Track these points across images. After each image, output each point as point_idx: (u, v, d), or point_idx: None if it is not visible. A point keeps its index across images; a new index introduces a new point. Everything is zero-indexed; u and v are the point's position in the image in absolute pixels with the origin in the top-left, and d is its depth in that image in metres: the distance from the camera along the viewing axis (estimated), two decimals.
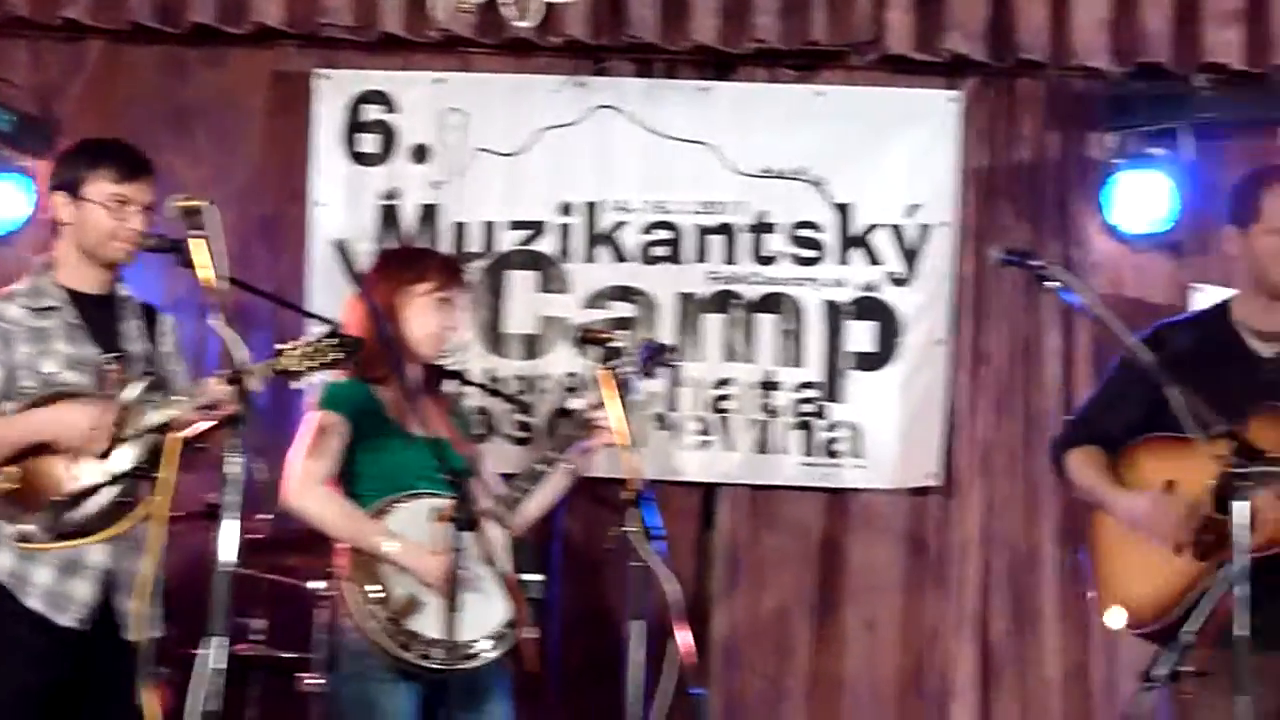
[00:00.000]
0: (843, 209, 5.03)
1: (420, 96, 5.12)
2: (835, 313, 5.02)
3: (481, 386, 4.78)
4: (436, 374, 4.22)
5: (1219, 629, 3.27)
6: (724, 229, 5.05)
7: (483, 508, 3.91)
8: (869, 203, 5.03)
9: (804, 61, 5.09)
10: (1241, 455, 3.22)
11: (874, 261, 5.01)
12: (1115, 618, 3.69)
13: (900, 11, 4.94)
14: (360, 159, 5.11)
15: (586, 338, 4.21)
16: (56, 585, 3.52)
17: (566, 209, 5.09)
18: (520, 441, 4.97)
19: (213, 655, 3.05)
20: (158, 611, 3.63)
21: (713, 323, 5.02)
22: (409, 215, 5.08)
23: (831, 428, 4.97)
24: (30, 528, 3.52)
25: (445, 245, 5.02)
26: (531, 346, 5.07)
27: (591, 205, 5.08)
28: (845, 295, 5.01)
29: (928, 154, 5.01)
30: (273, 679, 4.46)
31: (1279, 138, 4.90)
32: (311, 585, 4.14)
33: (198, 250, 3.21)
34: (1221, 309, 3.90)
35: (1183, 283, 4.95)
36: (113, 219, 3.61)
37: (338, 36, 5.05)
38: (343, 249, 5.06)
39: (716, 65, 5.11)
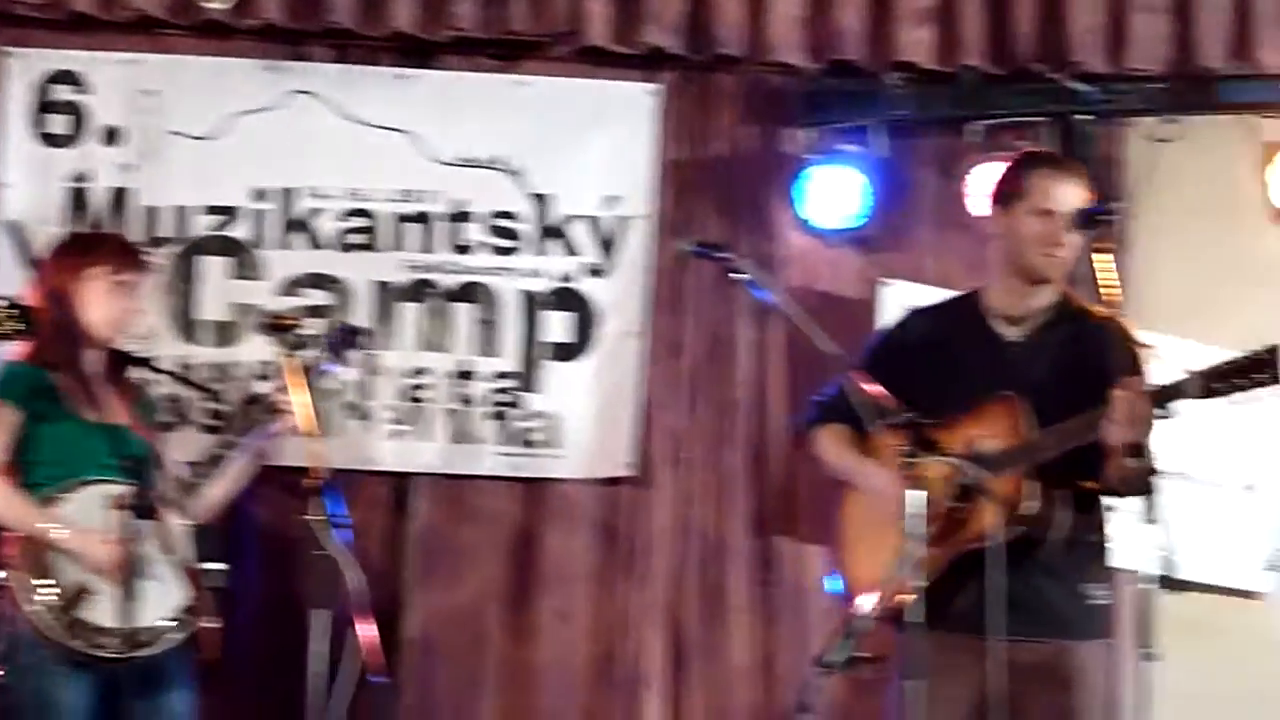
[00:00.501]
0: (541, 199, 5.73)
1: (112, 77, 5.64)
2: (532, 303, 5.70)
3: (170, 374, 5.28)
4: (120, 360, 4.72)
5: (935, 615, 3.79)
6: (421, 218, 5.70)
7: (161, 494, 4.44)
8: (567, 194, 5.72)
9: (505, 51, 5.73)
10: (917, 446, 3.81)
11: (571, 252, 5.72)
12: (866, 600, 4.04)
13: (599, 3, 5.59)
14: (49, 140, 5.63)
15: (271, 324, 4.67)
16: None
17: (261, 195, 5.66)
18: (211, 429, 5.46)
19: None
20: None
21: (409, 311, 5.69)
22: (99, 198, 5.61)
23: (527, 418, 5.68)
24: None
25: (136, 229, 5.54)
26: (224, 334, 5.63)
27: (287, 192, 5.68)
28: (542, 285, 5.71)
29: (626, 146, 5.73)
30: None
31: (966, 135, 5.74)
32: None
33: None
34: (971, 295, 4.45)
35: (873, 277, 5.71)
36: None
37: (28, 15, 5.56)
38: (17, 230, 5.55)
39: (416, 53, 5.74)
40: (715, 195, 5.87)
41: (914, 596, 3.73)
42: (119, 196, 5.73)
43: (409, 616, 5.74)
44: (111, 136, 5.74)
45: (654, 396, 5.83)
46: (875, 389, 3.95)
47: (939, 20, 5.75)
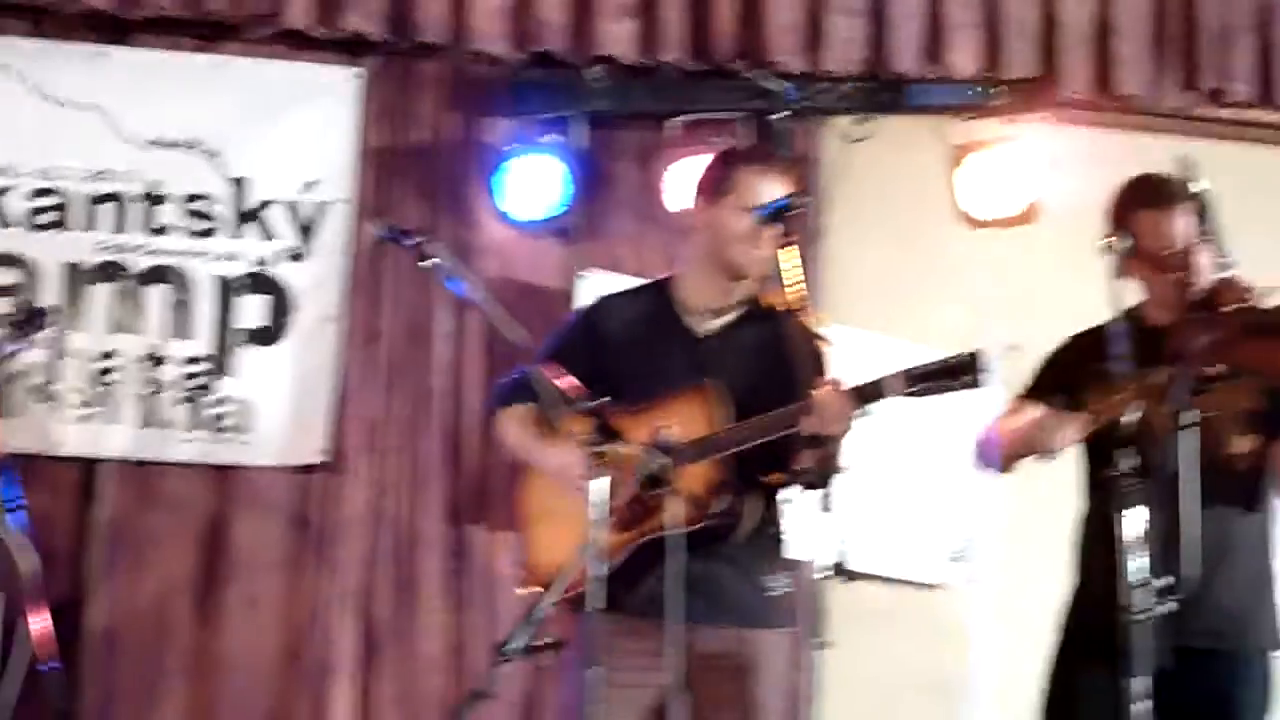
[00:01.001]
0: (238, 183, 5.87)
1: None
2: (226, 287, 5.84)
3: None
4: None
5: (624, 601, 4.00)
6: (114, 198, 5.82)
7: None
8: (265, 177, 5.86)
9: (204, 32, 5.85)
10: (601, 434, 3.93)
11: (268, 236, 5.87)
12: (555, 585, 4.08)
13: None
14: None
15: None
16: None
17: None
18: None
19: None
20: None
21: (99, 293, 5.79)
22: None
23: (219, 403, 5.81)
24: None
25: None
26: None
27: None
28: (238, 269, 5.84)
29: (326, 131, 5.89)
30: None
31: (665, 130, 6.02)
32: None
33: None
34: (662, 286, 4.55)
35: (572, 268, 5.92)
36: None
37: None
38: None
39: (113, 30, 5.84)
40: (416, 182, 6.05)
41: (595, 583, 3.86)
42: None
43: (93, 606, 5.80)
44: None
45: (350, 383, 5.98)
46: (563, 377, 4.06)
47: (640, 15, 5.99)
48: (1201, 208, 4.15)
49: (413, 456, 5.98)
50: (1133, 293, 4.30)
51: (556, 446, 4.34)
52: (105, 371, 5.90)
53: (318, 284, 5.97)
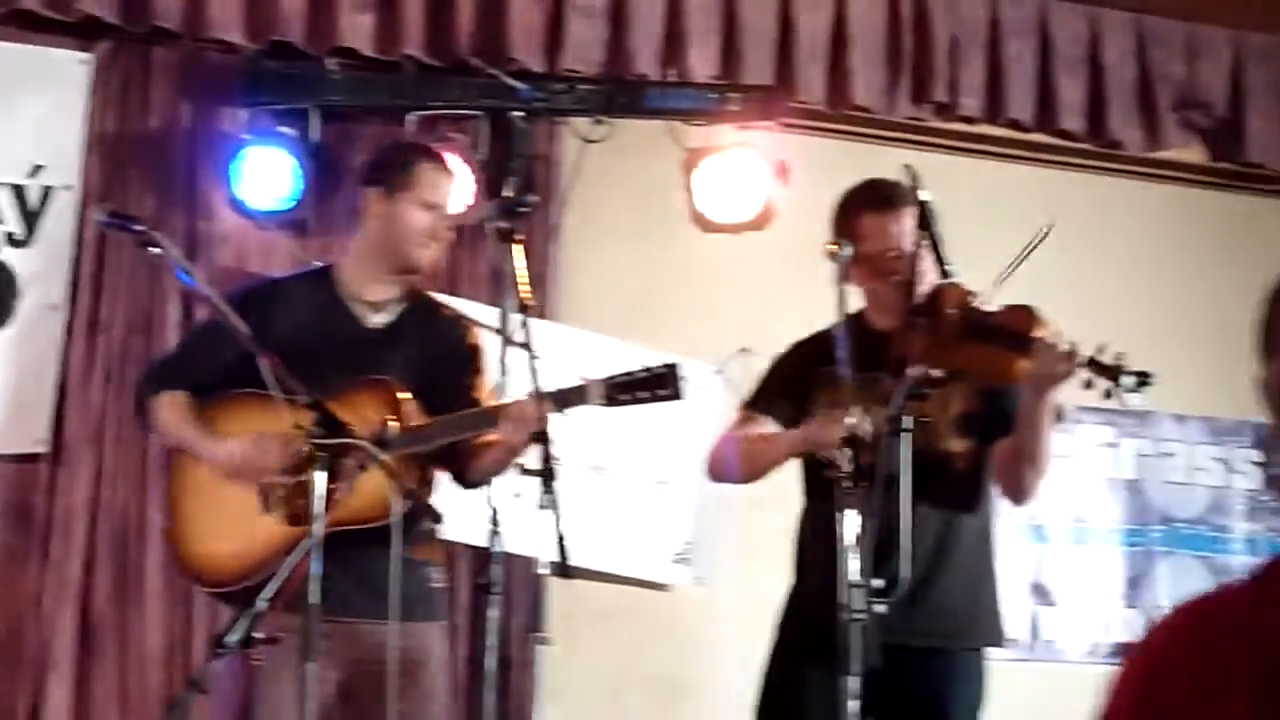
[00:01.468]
0: None
1: None
2: None
3: None
4: None
5: (293, 596, 3.90)
6: None
7: None
8: None
9: None
10: (323, 426, 3.93)
11: None
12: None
13: None
14: None
15: None
16: None
17: None
18: None
19: None
20: None
21: None
22: None
23: None
24: None
25: None
26: None
27: None
28: None
29: (55, 115, 5.79)
30: None
31: (406, 125, 6.00)
32: None
33: None
34: (325, 273, 4.58)
35: (304, 260, 5.71)
36: None
37: None
38: None
39: None
40: (147, 170, 5.99)
41: (313, 579, 3.88)
42: None
43: None
44: None
45: (73, 373, 5.90)
46: (274, 362, 4.05)
47: (380, 9, 6.00)
48: (925, 216, 4.23)
49: (137, 448, 5.90)
50: (858, 298, 4.38)
51: (222, 439, 4.34)
52: None
53: (42, 271, 5.87)
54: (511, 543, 4.88)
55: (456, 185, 4.65)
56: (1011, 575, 6.59)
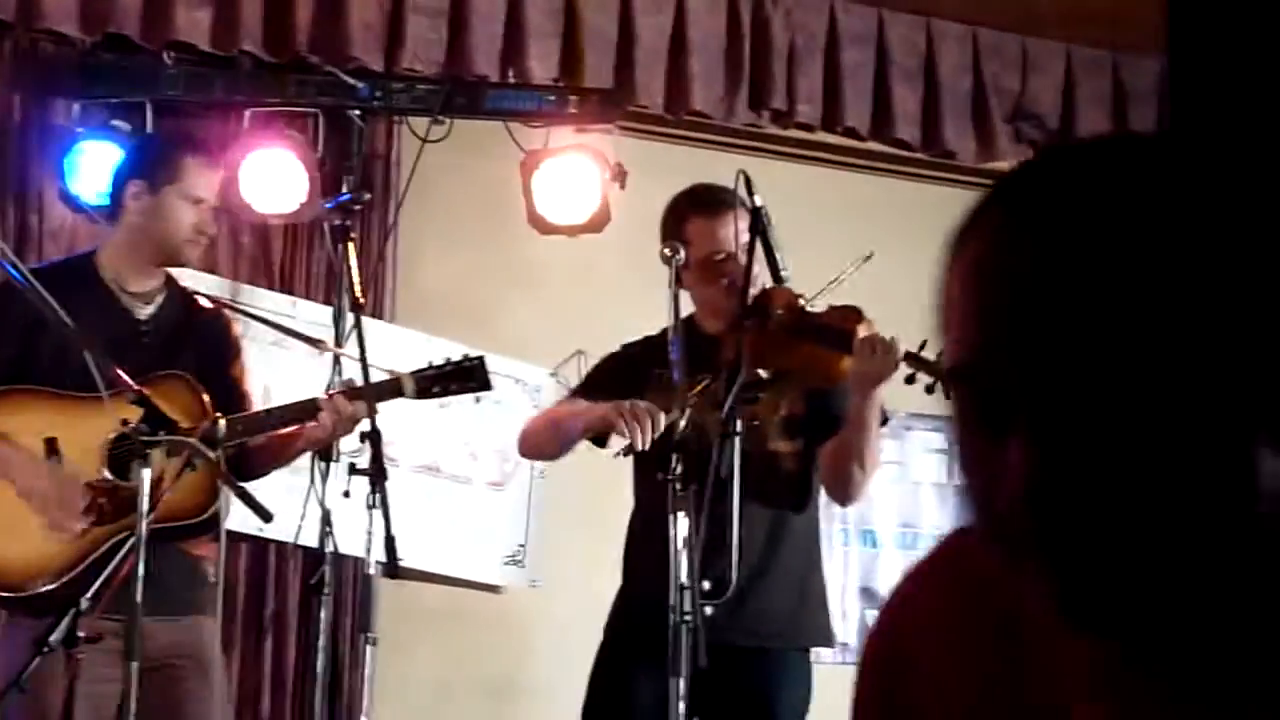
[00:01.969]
0: None
1: None
2: None
3: None
4: None
5: (111, 596, 3.93)
6: None
7: None
8: None
9: None
10: (149, 421, 3.90)
11: None
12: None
13: None
14: None
15: None
16: None
17: None
18: None
19: None
20: None
21: None
22: None
23: None
24: None
25: None
26: None
27: None
28: None
29: None
30: None
31: (245, 121, 5.95)
32: None
33: None
34: (89, 263, 4.56)
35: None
36: None
37: None
38: None
39: None
40: None
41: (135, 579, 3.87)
42: None
43: None
44: None
45: None
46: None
47: (218, 4, 5.96)
48: (758, 221, 4.26)
49: None
50: (689, 302, 4.41)
51: (25, 458, 4.29)
52: None
53: None
54: (342, 543, 4.88)
55: (221, 179, 4.72)
56: (842, 579, 6.66)
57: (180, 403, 4.28)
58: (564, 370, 5.96)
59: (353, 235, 5.00)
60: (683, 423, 4.06)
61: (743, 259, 4.36)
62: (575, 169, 6.07)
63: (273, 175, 5.82)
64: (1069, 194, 1.17)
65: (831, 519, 4.39)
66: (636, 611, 4.50)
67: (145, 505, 3.89)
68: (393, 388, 4.45)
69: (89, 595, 3.94)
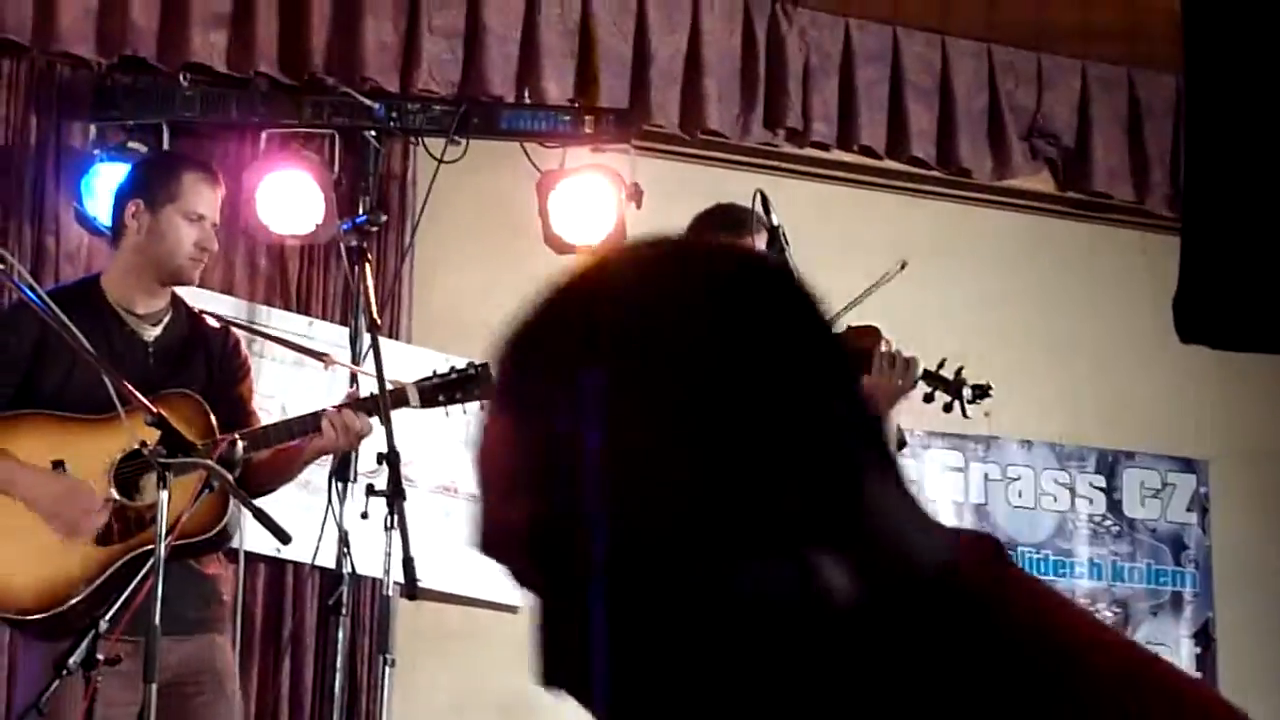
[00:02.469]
0: None
1: None
2: None
3: None
4: None
5: (128, 617, 3.92)
6: None
7: None
8: None
9: None
10: (166, 442, 3.89)
11: None
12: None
13: None
14: None
15: None
16: None
17: None
18: None
19: None
20: None
21: None
22: None
23: None
24: None
25: None
26: None
27: None
28: None
29: None
30: None
31: (261, 142, 6.00)
32: None
33: None
34: (94, 286, 4.58)
35: None
36: None
37: None
38: None
39: None
40: None
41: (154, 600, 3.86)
42: None
43: None
44: None
45: None
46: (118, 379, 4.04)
47: (234, 25, 6.03)
48: (776, 240, 4.27)
49: None
50: None
51: (36, 472, 4.29)
52: None
53: None
54: (360, 564, 4.88)
55: (221, 196, 4.72)
56: None
57: (189, 422, 4.30)
58: None
59: (369, 256, 5.03)
60: None
61: None
62: (591, 189, 6.09)
63: (289, 196, 5.84)
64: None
65: None
66: None
67: (164, 526, 3.88)
68: (397, 398, 4.47)
69: (108, 617, 3.93)
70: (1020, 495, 7.27)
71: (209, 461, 4.08)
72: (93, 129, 5.99)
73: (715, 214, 4.60)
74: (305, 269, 6.17)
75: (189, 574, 4.34)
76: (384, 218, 5.67)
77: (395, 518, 4.41)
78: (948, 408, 4.20)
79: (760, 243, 4.41)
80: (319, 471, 5.19)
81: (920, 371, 4.22)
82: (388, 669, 4.81)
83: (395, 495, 4.38)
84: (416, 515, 4.55)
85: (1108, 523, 7.30)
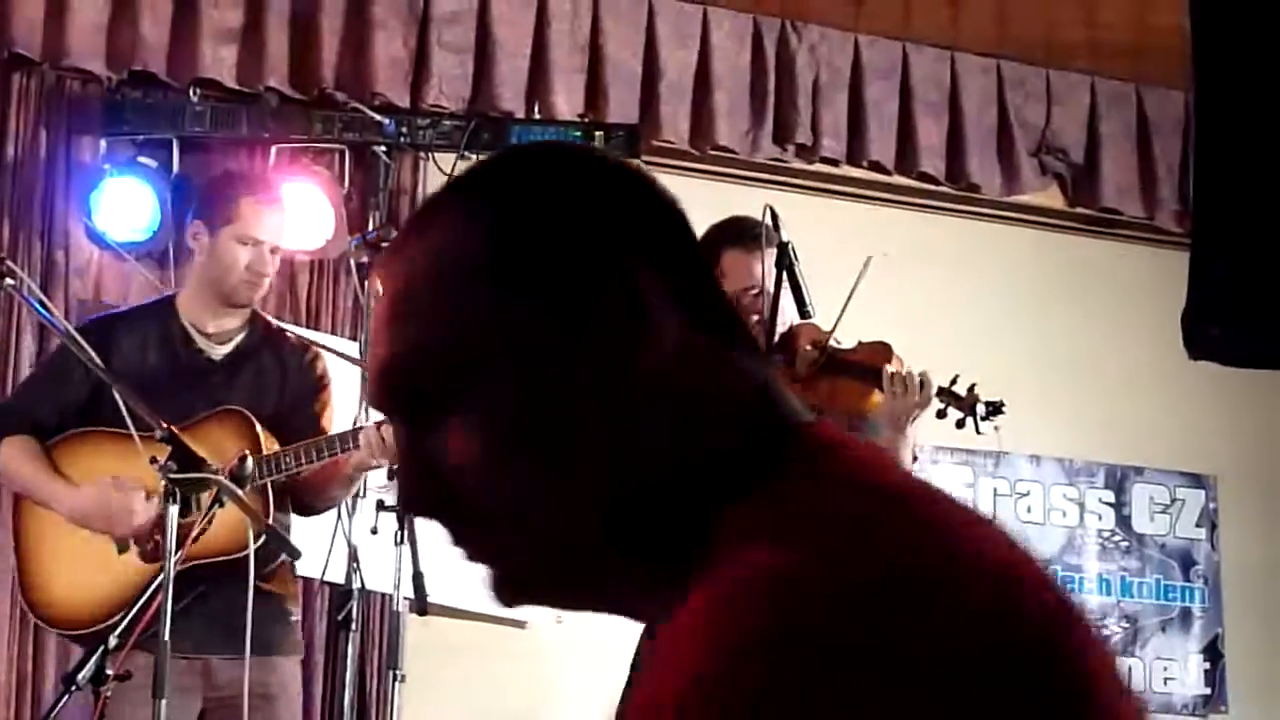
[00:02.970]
0: None
1: None
2: None
3: None
4: None
5: (145, 633, 3.93)
6: None
7: None
8: None
9: None
10: (179, 460, 3.89)
11: None
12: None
13: None
14: None
15: None
16: None
17: None
18: None
19: None
20: None
21: None
22: None
23: None
24: None
25: None
26: None
27: None
28: None
29: None
30: None
31: (272, 157, 6.03)
32: None
33: None
34: (166, 307, 4.65)
35: (164, 292, 5.61)
36: None
37: None
38: None
39: None
40: (3, 200, 5.97)
41: (165, 616, 3.86)
42: None
43: None
44: None
45: None
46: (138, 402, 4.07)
47: (243, 40, 6.06)
48: (786, 256, 4.28)
49: None
50: None
51: (84, 488, 4.35)
52: None
53: None
54: (369, 579, 4.88)
55: (283, 218, 4.75)
56: None
57: (233, 438, 4.35)
58: None
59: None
60: None
61: (771, 295, 4.37)
62: None
63: (299, 211, 5.84)
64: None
65: None
66: None
67: (173, 542, 3.90)
68: None
69: (118, 632, 3.94)
70: (1029, 510, 7.28)
71: (219, 478, 4.07)
72: (103, 144, 6.04)
73: (725, 228, 4.61)
74: (315, 284, 6.19)
75: (254, 593, 4.27)
76: (394, 233, 5.66)
77: (405, 533, 4.43)
78: (960, 424, 4.21)
79: (770, 257, 4.41)
80: None
81: (935, 389, 4.23)
82: (398, 684, 4.82)
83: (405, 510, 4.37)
84: (426, 530, 4.54)
85: (1117, 538, 7.31)
